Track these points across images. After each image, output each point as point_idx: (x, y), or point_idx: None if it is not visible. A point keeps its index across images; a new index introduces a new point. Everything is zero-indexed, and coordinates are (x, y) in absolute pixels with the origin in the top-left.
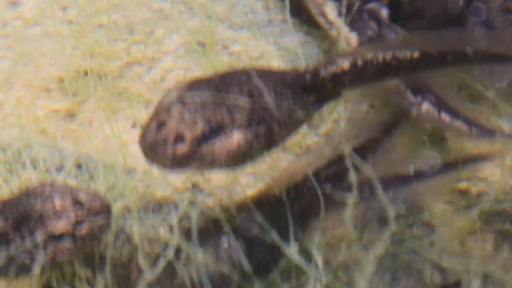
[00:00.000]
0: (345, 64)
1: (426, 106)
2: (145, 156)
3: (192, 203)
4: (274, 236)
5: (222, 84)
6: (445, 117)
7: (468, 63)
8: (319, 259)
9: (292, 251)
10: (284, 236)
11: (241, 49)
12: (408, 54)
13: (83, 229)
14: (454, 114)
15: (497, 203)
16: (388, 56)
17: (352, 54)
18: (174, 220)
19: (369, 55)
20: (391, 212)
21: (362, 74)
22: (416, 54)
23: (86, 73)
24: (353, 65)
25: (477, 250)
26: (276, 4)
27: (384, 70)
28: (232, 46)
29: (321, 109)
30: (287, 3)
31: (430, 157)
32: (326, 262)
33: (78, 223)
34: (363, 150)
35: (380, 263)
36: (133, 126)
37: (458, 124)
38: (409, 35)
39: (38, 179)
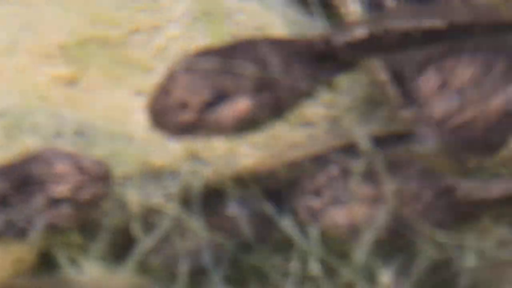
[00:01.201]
0: (362, 33)
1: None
2: (151, 124)
3: (193, 173)
4: (269, 209)
5: (229, 53)
6: None
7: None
8: (314, 232)
9: (285, 224)
10: (281, 210)
11: (246, 19)
12: (434, 24)
13: (84, 195)
14: None
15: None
16: (411, 25)
17: (369, 22)
18: (174, 189)
19: (389, 24)
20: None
21: (381, 44)
22: (443, 24)
23: (89, 40)
24: (371, 34)
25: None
26: None
27: (407, 40)
28: (237, 16)
29: (334, 78)
30: None
31: None
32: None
33: (78, 188)
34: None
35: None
36: (136, 93)
37: None
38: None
39: (37, 145)
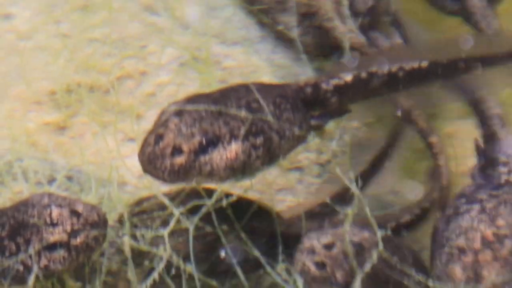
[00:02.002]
0: (348, 77)
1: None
2: (144, 169)
3: (186, 216)
4: (259, 257)
5: (220, 98)
6: None
7: (478, 69)
8: (299, 281)
9: (274, 272)
10: (270, 254)
11: (234, 64)
12: (415, 64)
13: (78, 239)
14: None
15: None
16: (394, 67)
17: (356, 66)
18: (165, 232)
19: (374, 67)
20: (378, 234)
21: (367, 87)
22: (424, 64)
23: (78, 87)
24: (357, 77)
25: None
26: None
27: (391, 82)
28: (225, 61)
29: (326, 123)
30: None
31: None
32: None
33: (74, 232)
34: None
35: None
36: (126, 139)
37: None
38: (410, 44)
39: (29, 191)
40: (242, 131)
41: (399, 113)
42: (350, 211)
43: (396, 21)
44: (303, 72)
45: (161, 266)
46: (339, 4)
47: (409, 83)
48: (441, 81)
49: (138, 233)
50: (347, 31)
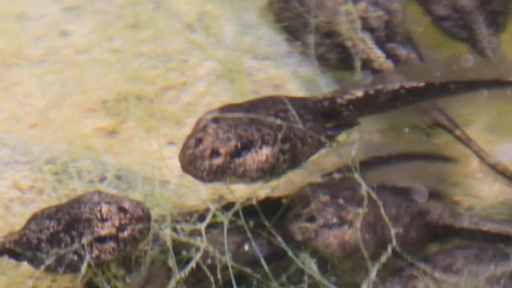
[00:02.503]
0: (359, 93)
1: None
2: (184, 169)
3: (220, 211)
4: (282, 243)
5: (251, 107)
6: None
7: (466, 91)
8: (312, 263)
9: (298, 259)
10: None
11: (264, 77)
12: (414, 84)
13: (126, 233)
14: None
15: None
16: (397, 86)
17: (364, 84)
18: (202, 226)
19: (380, 85)
20: (392, 231)
21: (374, 102)
22: (421, 84)
23: (127, 96)
24: (366, 93)
25: None
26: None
27: (394, 98)
28: (257, 74)
29: (339, 134)
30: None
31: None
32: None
33: (121, 227)
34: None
35: None
36: (168, 143)
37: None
38: (413, 66)
39: (82, 188)
40: (272, 137)
41: (406, 130)
42: (361, 211)
43: (410, 38)
44: (324, 83)
45: (198, 255)
46: (354, 23)
47: (411, 100)
48: (437, 98)
49: (178, 226)
50: (363, 48)
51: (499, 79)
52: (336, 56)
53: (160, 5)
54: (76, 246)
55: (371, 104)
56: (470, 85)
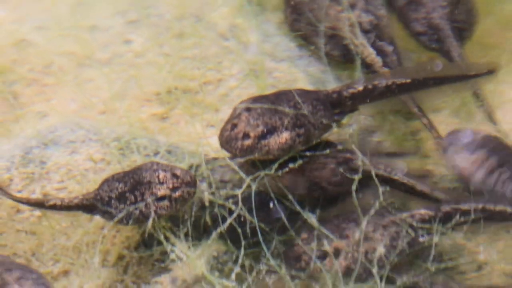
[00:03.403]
0: (360, 87)
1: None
2: (222, 147)
3: (252, 180)
4: (299, 209)
5: (276, 99)
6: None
7: (440, 85)
8: (313, 218)
9: (310, 217)
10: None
11: (281, 75)
12: (403, 80)
13: (177, 193)
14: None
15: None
16: (389, 81)
17: (364, 81)
18: (239, 192)
19: (376, 81)
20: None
21: (371, 94)
22: (408, 80)
23: (175, 90)
24: (365, 87)
25: None
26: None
27: (387, 91)
28: (275, 73)
29: (343, 118)
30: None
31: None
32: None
33: (174, 189)
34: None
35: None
36: (209, 126)
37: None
38: (402, 68)
39: (141, 160)
40: (290, 123)
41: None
42: (377, 202)
43: (393, 38)
44: (328, 80)
45: (234, 216)
46: (353, 27)
47: (399, 92)
48: (420, 91)
49: (216, 191)
50: (361, 48)
51: (462, 74)
52: (339, 53)
53: (200, 19)
54: (141, 204)
55: (369, 95)
56: (442, 80)
